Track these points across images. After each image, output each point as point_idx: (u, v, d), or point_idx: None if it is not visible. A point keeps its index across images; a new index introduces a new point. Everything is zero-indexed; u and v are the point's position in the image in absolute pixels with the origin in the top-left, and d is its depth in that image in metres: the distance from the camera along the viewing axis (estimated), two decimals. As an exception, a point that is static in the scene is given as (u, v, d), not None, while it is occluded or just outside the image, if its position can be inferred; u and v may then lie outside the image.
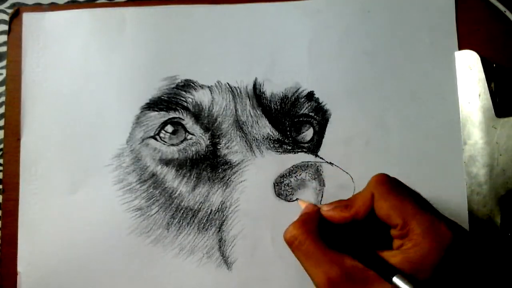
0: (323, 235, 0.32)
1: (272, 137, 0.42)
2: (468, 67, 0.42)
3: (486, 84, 0.41)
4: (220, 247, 0.41)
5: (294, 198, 0.40)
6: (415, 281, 0.28)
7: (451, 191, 0.41)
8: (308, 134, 0.43)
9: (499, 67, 0.42)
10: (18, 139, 0.43)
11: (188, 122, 0.43)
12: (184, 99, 0.43)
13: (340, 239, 0.32)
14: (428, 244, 0.29)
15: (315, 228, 0.32)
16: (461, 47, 0.43)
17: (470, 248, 0.30)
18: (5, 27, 0.45)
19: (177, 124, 0.43)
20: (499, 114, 0.41)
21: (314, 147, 0.43)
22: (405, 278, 0.28)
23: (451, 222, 0.30)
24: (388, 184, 0.32)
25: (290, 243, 0.32)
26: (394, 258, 0.29)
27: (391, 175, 0.41)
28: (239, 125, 0.43)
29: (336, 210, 0.33)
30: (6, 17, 0.45)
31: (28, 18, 0.44)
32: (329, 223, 0.33)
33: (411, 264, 0.28)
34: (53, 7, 0.45)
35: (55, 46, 0.44)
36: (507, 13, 0.43)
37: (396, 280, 0.28)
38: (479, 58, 0.42)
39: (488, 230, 0.40)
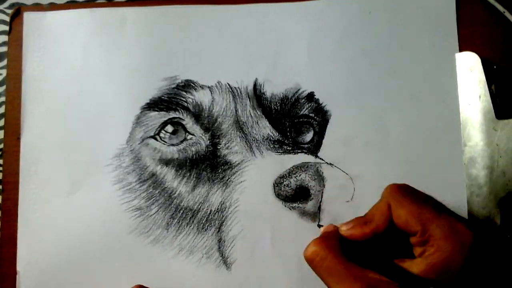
0: (344, 252, 0.31)
1: (272, 138, 0.42)
2: (469, 68, 0.42)
3: (486, 86, 0.41)
4: (219, 248, 0.41)
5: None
6: None
7: (451, 193, 0.41)
8: (308, 135, 0.43)
9: (499, 69, 0.42)
10: (18, 139, 0.43)
11: (188, 122, 0.43)
12: (185, 99, 0.43)
13: (361, 254, 0.31)
14: (451, 247, 0.28)
15: (337, 244, 0.31)
16: (461, 48, 0.43)
17: (491, 246, 0.30)
18: (4, 27, 0.45)
19: (177, 124, 0.43)
20: (499, 116, 0.41)
21: (314, 147, 0.43)
22: None
23: (470, 222, 0.30)
24: (403, 192, 0.31)
25: (311, 260, 0.31)
26: (417, 266, 0.29)
27: (391, 176, 0.41)
28: (239, 125, 0.43)
29: (356, 228, 0.32)
30: (6, 18, 0.45)
31: (29, 17, 0.44)
32: (348, 241, 0.32)
33: (436, 270, 0.28)
34: (53, 6, 0.45)
35: (56, 46, 0.44)
36: (506, 14, 0.43)
37: None
38: (479, 60, 0.42)
39: (488, 232, 0.40)
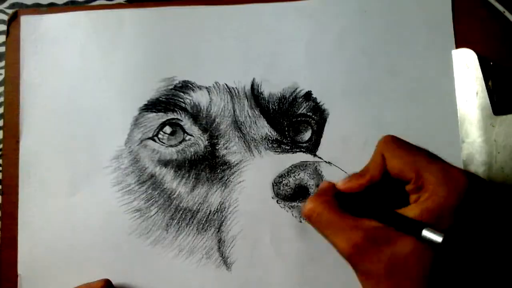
0: (340, 206, 0.31)
1: (271, 137, 0.42)
2: (466, 65, 0.42)
3: (483, 82, 0.41)
4: (219, 248, 0.41)
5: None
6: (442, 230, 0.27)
7: (449, 190, 0.41)
8: (306, 133, 0.43)
9: (496, 65, 0.42)
10: (17, 141, 0.43)
11: (187, 123, 0.43)
12: (182, 100, 0.43)
13: (358, 206, 0.31)
14: (444, 190, 0.28)
15: (332, 198, 0.32)
16: (458, 45, 0.43)
17: (488, 194, 0.30)
18: (4, 27, 0.45)
19: (175, 125, 0.43)
20: (496, 112, 0.41)
21: (312, 146, 0.43)
22: (434, 229, 0.27)
23: (465, 170, 0.30)
24: (397, 142, 0.32)
25: (308, 216, 0.31)
26: (412, 211, 0.29)
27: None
28: (237, 125, 0.43)
29: (352, 181, 0.32)
30: (6, 17, 0.45)
31: (26, 20, 0.45)
32: (344, 196, 0.33)
33: (431, 214, 0.28)
34: (52, 8, 0.46)
35: (53, 48, 0.44)
36: (506, 14, 0.43)
37: (426, 233, 0.27)
38: (476, 56, 0.42)
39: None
